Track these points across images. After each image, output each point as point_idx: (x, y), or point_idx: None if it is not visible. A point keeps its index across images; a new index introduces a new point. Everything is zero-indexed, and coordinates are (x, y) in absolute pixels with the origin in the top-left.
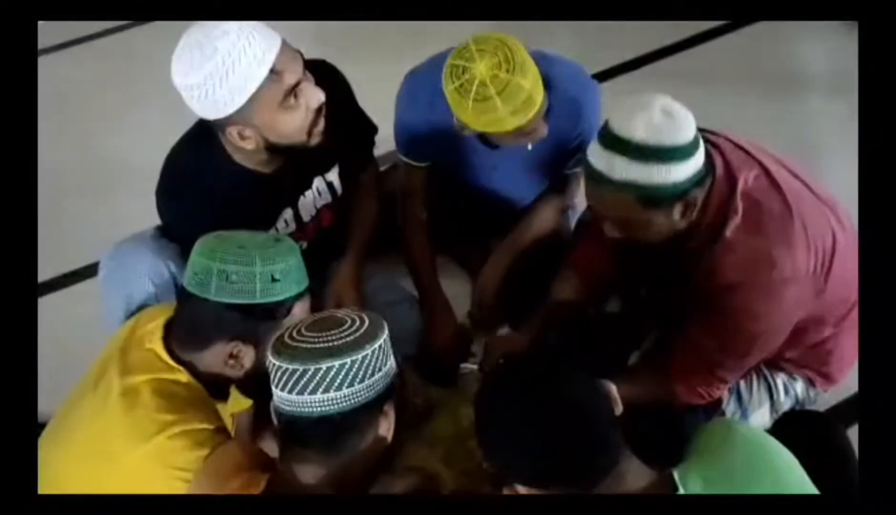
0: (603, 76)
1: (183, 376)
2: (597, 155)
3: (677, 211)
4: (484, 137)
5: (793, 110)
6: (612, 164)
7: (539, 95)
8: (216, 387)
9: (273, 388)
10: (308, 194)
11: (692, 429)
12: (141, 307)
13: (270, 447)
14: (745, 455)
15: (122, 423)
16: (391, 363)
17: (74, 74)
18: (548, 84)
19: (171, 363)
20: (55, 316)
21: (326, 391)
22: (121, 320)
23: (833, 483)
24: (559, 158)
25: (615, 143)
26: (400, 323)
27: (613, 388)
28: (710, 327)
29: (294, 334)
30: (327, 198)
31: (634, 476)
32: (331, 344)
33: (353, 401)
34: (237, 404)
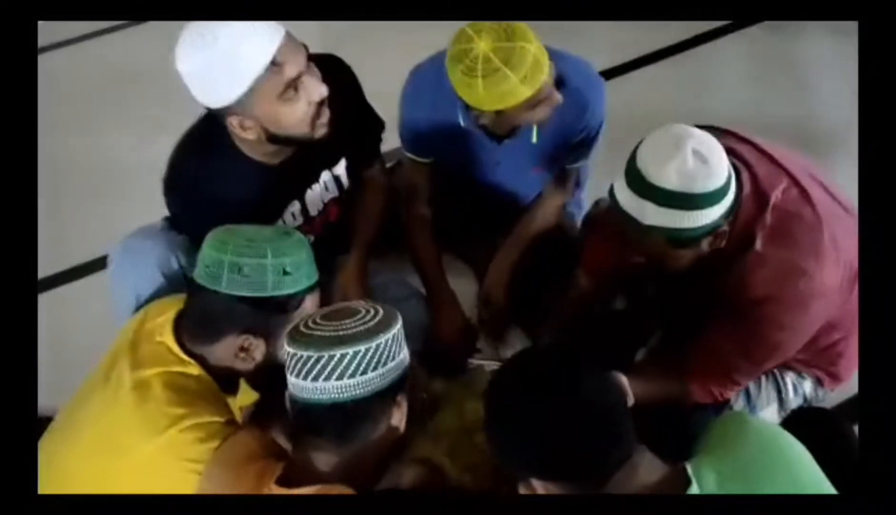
0: (607, 75)
1: (194, 369)
2: (626, 197)
3: (706, 243)
4: (490, 131)
5: (792, 108)
6: (642, 209)
7: (545, 57)
8: (227, 380)
9: (288, 375)
10: (315, 187)
11: (700, 425)
12: (150, 300)
13: (278, 439)
14: (759, 449)
15: (133, 416)
16: (404, 354)
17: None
18: (557, 82)
19: (183, 356)
20: (57, 313)
21: (340, 378)
22: (130, 312)
23: (842, 478)
24: (564, 153)
25: (646, 189)
26: (407, 318)
27: (625, 380)
28: (734, 333)
29: (310, 322)
30: (334, 192)
31: (647, 469)
32: (345, 333)
33: (365, 389)
34: (246, 397)
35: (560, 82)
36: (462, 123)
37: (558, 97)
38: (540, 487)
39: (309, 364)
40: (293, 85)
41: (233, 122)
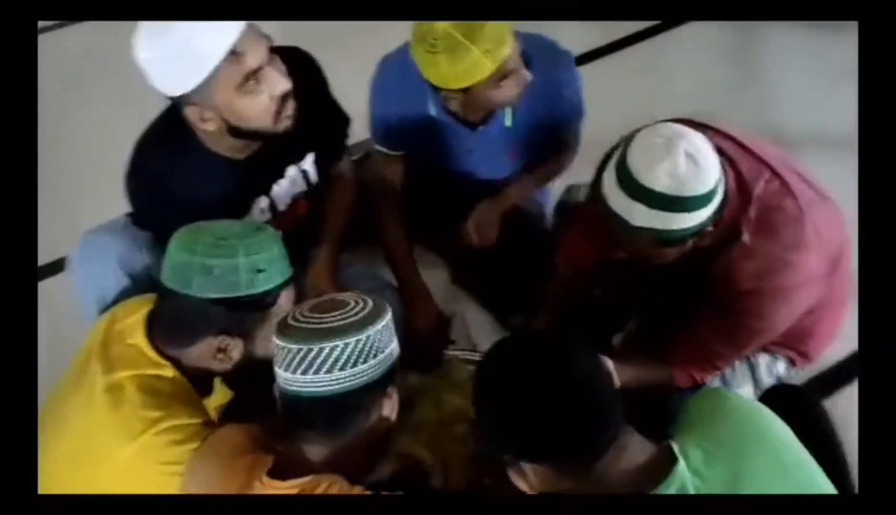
0: (581, 60)
1: (168, 371)
2: (615, 198)
3: (691, 242)
4: (461, 117)
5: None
6: (631, 210)
7: (506, 29)
8: (202, 381)
9: (277, 368)
10: (282, 182)
11: (675, 402)
12: (117, 299)
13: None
14: (739, 421)
15: (108, 421)
16: (394, 345)
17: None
18: (525, 62)
19: (156, 358)
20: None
21: (330, 370)
22: (95, 311)
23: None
24: (536, 138)
25: (636, 190)
26: None
27: (611, 363)
28: (719, 322)
29: (298, 315)
30: (302, 186)
31: (635, 449)
32: (334, 325)
33: (356, 381)
34: (222, 396)
35: (528, 61)
36: (433, 113)
37: (526, 74)
38: (530, 471)
39: (299, 357)
40: (254, 76)
41: (192, 112)
